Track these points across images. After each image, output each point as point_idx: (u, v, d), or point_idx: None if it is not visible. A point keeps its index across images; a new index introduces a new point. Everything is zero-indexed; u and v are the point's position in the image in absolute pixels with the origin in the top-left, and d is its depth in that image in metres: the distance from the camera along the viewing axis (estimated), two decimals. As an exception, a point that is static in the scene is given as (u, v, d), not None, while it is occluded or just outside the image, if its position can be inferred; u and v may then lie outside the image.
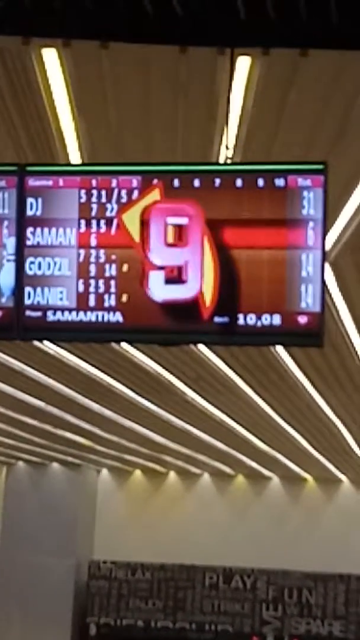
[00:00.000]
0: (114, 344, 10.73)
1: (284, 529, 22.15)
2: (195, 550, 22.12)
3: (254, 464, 20.81)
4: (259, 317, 5.00)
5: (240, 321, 5.02)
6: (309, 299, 5.00)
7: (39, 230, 5.16)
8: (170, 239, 5.07)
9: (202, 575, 22.11)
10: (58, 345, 10.77)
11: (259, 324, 5.01)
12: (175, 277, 5.06)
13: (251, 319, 5.01)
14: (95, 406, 14.65)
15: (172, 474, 22.95)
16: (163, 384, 12.96)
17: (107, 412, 15.15)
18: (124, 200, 5.10)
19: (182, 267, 5.05)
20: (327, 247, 7.66)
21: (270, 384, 12.71)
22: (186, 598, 22.07)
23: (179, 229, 5.06)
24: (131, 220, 5.09)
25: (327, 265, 8.03)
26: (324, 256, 5.03)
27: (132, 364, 11.81)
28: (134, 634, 21.92)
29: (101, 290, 5.10)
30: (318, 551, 21.76)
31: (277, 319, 5.00)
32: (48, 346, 10.76)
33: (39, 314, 5.15)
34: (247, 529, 22.26)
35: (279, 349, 10.65)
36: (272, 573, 21.87)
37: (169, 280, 5.07)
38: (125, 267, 5.09)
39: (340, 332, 9.84)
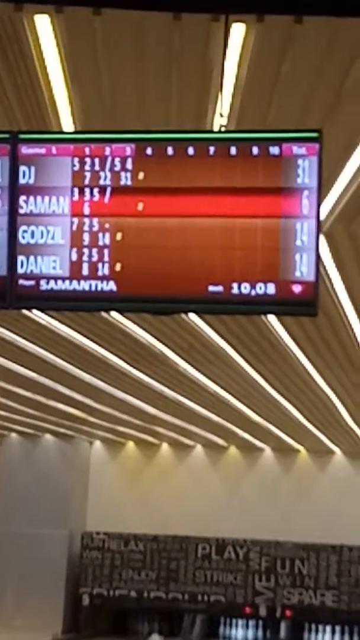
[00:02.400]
0: (105, 314, 10.74)
1: (277, 500, 22.21)
2: (188, 521, 22.20)
3: (246, 436, 20.85)
4: (253, 286, 4.98)
5: (235, 290, 5.00)
6: (303, 268, 4.97)
7: (31, 198, 5.12)
8: (164, 207, 5.05)
9: (194, 546, 22.19)
10: (50, 316, 10.75)
11: (253, 293, 4.98)
12: (169, 245, 5.04)
13: (245, 288, 4.99)
14: (87, 377, 14.65)
15: (164, 446, 22.99)
16: (155, 354, 12.96)
17: (99, 383, 15.15)
18: (117, 168, 5.07)
19: (176, 236, 5.03)
20: (321, 217, 7.68)
21: (263, 355, 12.70)
22: (179, 569, 22.16)
23: (173, 197, 5.05)
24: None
25: (321, 236, 8.06)
26: (319, 225, 5.01)
27: (123, 334, 11.80)
28: (126, 604, 22.03)
29: (95, 259, 5.07)
30: (310, 522, 21.85)
31: (271, 288, 4.98)
32: (40, 316, 10.75)
33: (32, 282, 5.12)
34: (239, 501, 22.33)
35: (272, 319, 10.64)
36: (264, 544, 21.96)
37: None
38: (119, 236, 5.06)
39: (334, 303, 9.83)
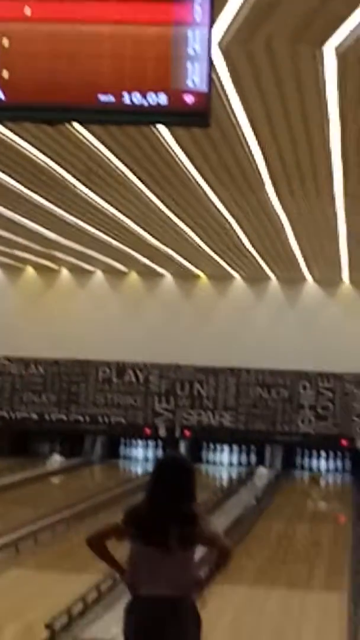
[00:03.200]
0: (1, 136, 10.54)
1: (177, 324, 22.49)
2: (89, 345, 22.43)
3: (146, 261, 20.91)
4: (144, 96, 4.88)
5: (125, 100, 4.90)
6: (195, 78, 4.88)
7: None
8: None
9: (95, 369, 22.49)
10: None
11: (144, 102, 4.89)
12: (59, 52, 4.90)
13: (136, 98, 4.89)
14: (-16, 201, 14.46)
15: (64, 271, 22.98)
16: (54, 178, 12.79)
17: (-2, 207, 14.98)
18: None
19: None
20: (219, 36, 7.53)
21: (161, 177, 12.62)
22: (79, 392, 22.49)
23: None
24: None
25: (219, 54, 7.91)
26: (211, 34, 4.89)
27: (21, 157, 11.60)
28: (27, 426, 22.38)
29: (-20, 65, 4.90)
30: (210, 346, 22.22)
31: (163, 98, 4.89)
32: None
33: None
34: (140, 325, 22.56)
35: (169, 138, 10.53)
36: (164, 367, 22.34)
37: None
38: (5, 42, 4.89)
39: (232, 123, 9.74)
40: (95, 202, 14.41)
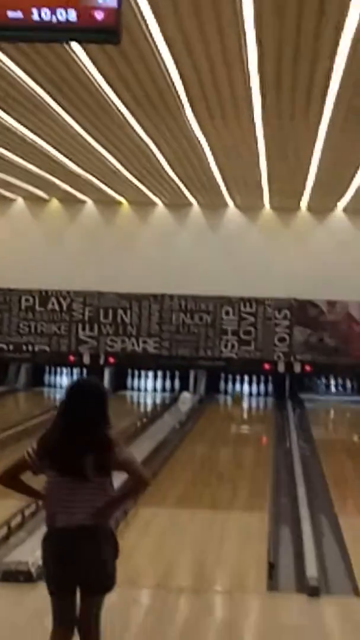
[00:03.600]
0: None
1: (99, 252, 22.39)
2: (10, 274, 22.23)
3: (67, 188, 20.72)
4: (53, 12, 4.81)
5: (35, 16, 4.81)
6: (105, -7, 4.80)
7: None
8: None
9: (17, 298, 22.35)
10: None
11: (54, 19, 4.81)
12: None
13: (46, 14, 4.81)
14: None
15: (-15, 199, 22.70)
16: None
17: None
18: None
19: None
20: None
21: (79, 100, 12.45)
22: (3, 321, 22.35)
23: None
24: None
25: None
26: None
27: None
28: None
29: None
30: (132, 273, 22.18)
31: (72, 14, 4.82)
32: None
33: None
34: (62, 253, 22.42)
35: (86, 61, 10.39)
36: (87, 294, 22.27)
37: None
38: None
39: (148, 43, 9.61)
40: (13, 126, 14.19)
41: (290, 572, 7.92)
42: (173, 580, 7.46)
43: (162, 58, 10.25)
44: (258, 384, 22.06)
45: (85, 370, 22.22)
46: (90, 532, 4.88)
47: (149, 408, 19.75)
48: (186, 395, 21.16)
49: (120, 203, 22.58)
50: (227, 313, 22.02)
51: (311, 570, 7.54)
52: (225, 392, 22.07)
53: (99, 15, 4.83)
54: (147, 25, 9.10)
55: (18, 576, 7.24)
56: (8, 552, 7.90)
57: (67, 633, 4.94)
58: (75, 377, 22.28)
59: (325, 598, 7.13)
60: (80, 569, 4.88)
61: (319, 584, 7.26)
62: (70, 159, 16.95)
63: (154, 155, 16.18)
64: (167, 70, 10.74)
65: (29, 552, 7.77)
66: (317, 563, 7.81)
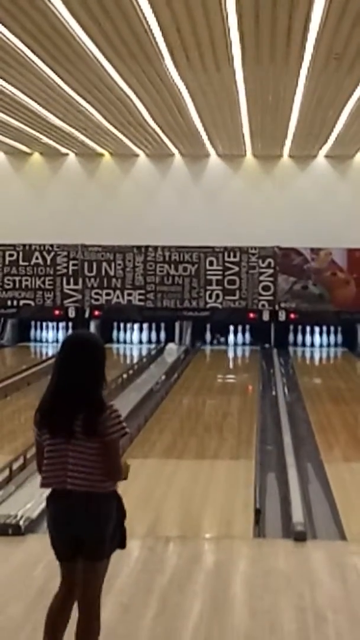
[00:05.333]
0: None
1: (82, 205, 22.32)
2: (-6, 229, 22.18)
3: (49, 141, 20.60)
4: None
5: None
6: None
7: None
8: None
9: (1, 253, 22.28)
10: None
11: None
12: None
13: None
14: None
15: (-35, 154, 22.57)
16: None
17: None
18: None
19: None
20: None
21: (59, 54, 12.37)
22: (-13, 275, 22.32)
23: None
24: None
25: None
26: None
27: None
28: None
29: None
30: (116, 225, 22.14)
31: None
32: None
33: None
34: (45, 206, 22.35)
35: (63, 11, 10.29)
36: (71, 248, 22.23)
37: None
38: None
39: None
40: (-7, 81, 14.10)
41: (276, 518, 7.98)
42: (161, 529, 7.52)
43: (140, 7, 10.16)
44: (243, 333, 22.09)
45: (71, 324, 22.22)
46: (85, 498, 4.69)
47: (135, 360, 19.76)
48: (172, 347, 21.20)
49: (102, 155, 22.47)
50: (211, 263, 22.01)
51: (297, 515, 7.61)
52: (211, 342, 22.11)
53: None
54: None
55: (7, 529, 7.28)
56: (-4, 506, 7.94)
57: (67, 594, 4.82)
58: (61, 331, 22.30)
59: (311, 543, 7.20)
60: (72, 533, 4.72)
61: (305, 529, 7.33)
62: (51, 112, 16.85)
63: (135, 106, 16.09)
64: (146, 19, 10.65)
65: (18, 505, 7.82)
66: (303, 509, 7.87)
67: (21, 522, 7.34)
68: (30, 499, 8.02)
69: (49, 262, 22.34)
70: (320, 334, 22.01)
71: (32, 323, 22.63)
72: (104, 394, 4.76)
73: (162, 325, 22.24)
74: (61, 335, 22.24)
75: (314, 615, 5.73)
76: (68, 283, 22.32)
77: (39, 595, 5.99)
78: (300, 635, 5.44)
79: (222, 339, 22.01)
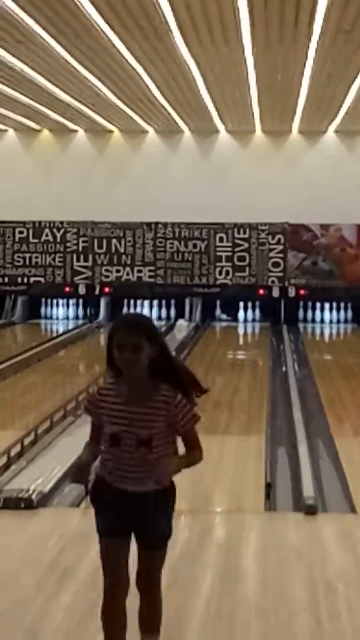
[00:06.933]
0: None
1: (92, 181, 22.31)
2: (3, 206, 22.17)
3: (58, 118, 20.58)
4: None
5: None
6: None
7: None
8: None
9: (11, 230, 22.31)
10: None
11: None
12: None
13: None
14: None
15: (-25, 131, 22.56)
16: None
17: None
18: None
19: None
20: None
21: (68, 29, 12.33)
22: (-3, 253, 22.38)
23: None
24: None
25: None
26: None
27: None
28: None
29: None
30: (125, 202, 22.13)
31: None
32: None
33: None
34: (54, 183, 22.35)
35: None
36: (81, 225, 22.24)
37: None
38: None
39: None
40: (1, 56, 14.06)
41: (287, 492, 8.03)
42: (172, 503, 7.56)
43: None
44: (253, 309, 22.11)
45: (81, 301, 22.27)
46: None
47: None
48: (182, 323, 21.23)
49: (111, 132, 22.44)
50: (220, 240, 22.01)
51: (308, 489, 7.65)
52: (221, 319, 22.13)
53: None
54: None
55: (19, 503, 7.34)
56: (8, 481, 8.00)
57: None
58: (71, 308, 22.36)
59: (322, 516, 7.25)
60: None
61: (315, 502, 7.37)
62: (60, 88, 16.82)
63: (144, 82, 16.06)
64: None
65: (30, 480, 7.88)
66: (313, 483, 7.92)
67: (33, 496, 7.40)
68: (42, 473, 8.09)
69: (58, 239, 22.36)
70: (330, 310, 22.02)
71: (43, 300, 22.67)
72: (109, 374, 4.56)
73: (172, 301, 22.26)
74: (71, 312, 22.30)
75: (324, 587, 5.78)
76: (78, 260, 22.35)
77: (51, 568, 6.06)
78: (311, 607, 5.49)
79: (229, 318, 22.00)
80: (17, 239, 22.38)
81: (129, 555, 4.44)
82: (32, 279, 22.39)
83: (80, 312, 22.42)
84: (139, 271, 22.25)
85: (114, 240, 22.28)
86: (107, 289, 22.26)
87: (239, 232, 21.94)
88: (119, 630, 4.42)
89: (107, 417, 4.41)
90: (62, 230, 22.34)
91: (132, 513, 4.40)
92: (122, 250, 22.27)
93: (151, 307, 22.38)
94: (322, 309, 22.00)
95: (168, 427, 4.41)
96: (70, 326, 21.31)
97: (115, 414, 4.40)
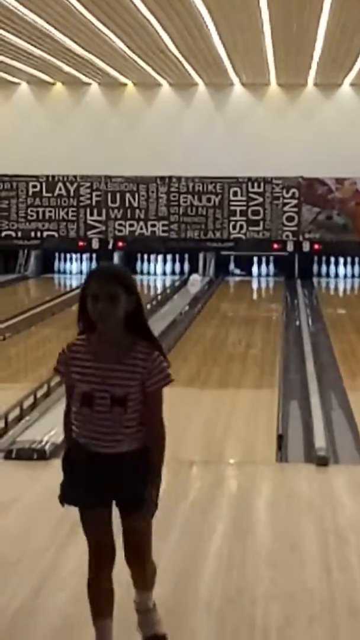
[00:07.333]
0: None
1: (105, 135, 22.21)
2: (17, 160, 22.09)
3: (72, 71, 20.47)
4: None
5: None
6: None
7: None
8: None
9: (25, 184, 22.26)
10: None
11: None
12: None
13: None
14: None
15: (-12, 84, 22.44)
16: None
17: None
18: None
19: None
20: None
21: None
22: (10, 207, 22.31)
23: None
24: None
25: None
26: None
27: None
28: None
29: None
30: (139, 156, 22.03)
31: None
32: None
33: None
34: (67, 137, 22.25)
35: None
36: (94, 179, 22.18)
37: None
38: None
39: None
40: (16, 8, 13.96)
41: (299, 444, 8.04)
42: (184, 453, 7.58)
43: None
44: (267, 264, 22.05)
45: (94, 256, 22.25)
46: None
47: (159, 291, 19.79)
48: (196, 277, 21.20)
49: (125, 85, 22.32)
50: (235, 194, 21.91)
51: (320, 441, 7.66)
52: (234, 273, 22.08)
53: None
54: None
55: (32, 454, 7.37)
56: (21, 432, 8.03)
57: None
58: (85, 263, 22.35)
59: (333, 467, 7.26)
60: None
61: (327, 454, 7.38)
62: (74, 41, 16.72)
63: (158, 34, 15.94)
64: None
65: (42, 431, 7.90)
66: (325, 434, 7.92)
67: (46, 447, 7.43)
68: (54, 425, 8.10)
69: (72, 193, 22.30)
70: (345, 264, 21.94)
71: (56, 254, 22.65)
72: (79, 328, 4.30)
73: (186, 256, 22.22)
74: (85, 267, 22.29)
75: (335, 537, 5.80)
76: (91, 214, 22.30)
77: (63, 519, 6.08)
78: (321, 556, 5.51)
79: (243, 272, 21.94)
80: (30, 193, 22.34)
81: (111, 523, 4.18)
82: (45, 234, 22.37)
83: (94, 266, 22.39)
84: (153, 225, 22.19)
85: (127, 195, 22.22)
86: (120, 244, 22.23)
87: (253, 186, 21.85)
88: (106, 603, 4.17)
89: (77, 376, 4.11)
90: (75, 184, 22.28)
91: (108, 476, 4.11)
92: (135, 204, 22.20)
93: (165, 261, 22.35)
94: (336, 264, 21.93)
95: (144, 386, 4.09)
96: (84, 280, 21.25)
97: (86, 372, 4.09)
